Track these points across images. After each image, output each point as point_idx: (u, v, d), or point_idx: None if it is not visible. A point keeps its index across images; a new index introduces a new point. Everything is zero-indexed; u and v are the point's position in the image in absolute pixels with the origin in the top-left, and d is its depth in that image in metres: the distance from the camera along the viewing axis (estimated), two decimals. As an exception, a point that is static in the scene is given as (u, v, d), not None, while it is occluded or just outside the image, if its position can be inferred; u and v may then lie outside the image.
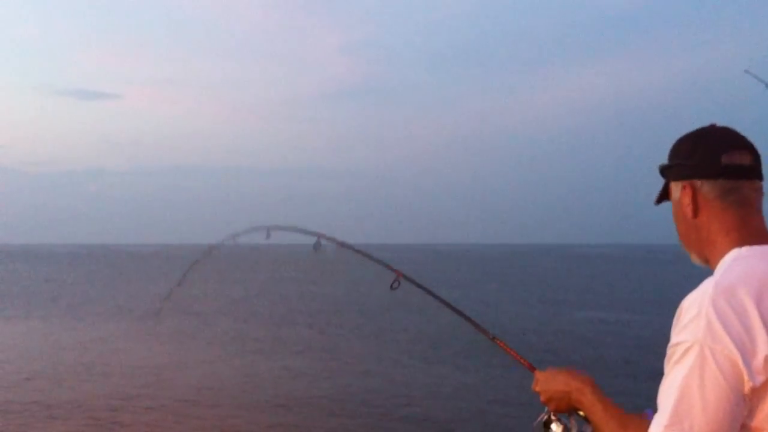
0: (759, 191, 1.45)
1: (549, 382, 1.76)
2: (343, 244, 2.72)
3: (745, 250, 1.36)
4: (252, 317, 22.31)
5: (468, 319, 2.17)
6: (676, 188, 1.50)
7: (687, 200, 1.46)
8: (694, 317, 1.24)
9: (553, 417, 1.80)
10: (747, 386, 1.19)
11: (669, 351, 1.26)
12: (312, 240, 2.67)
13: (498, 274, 48.76)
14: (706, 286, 1.28)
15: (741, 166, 1.43)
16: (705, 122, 1.52)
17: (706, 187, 1.44)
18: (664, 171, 1.55)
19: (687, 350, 1.22)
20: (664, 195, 1.56)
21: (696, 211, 1.45)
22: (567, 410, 1.75)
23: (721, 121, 1.51)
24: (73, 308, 25.14)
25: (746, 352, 1.19)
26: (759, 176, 1.46)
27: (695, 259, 1.51)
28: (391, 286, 2.24)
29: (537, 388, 1.79)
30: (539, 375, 1.81)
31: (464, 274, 48.66)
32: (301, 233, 2.75)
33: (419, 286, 2.25)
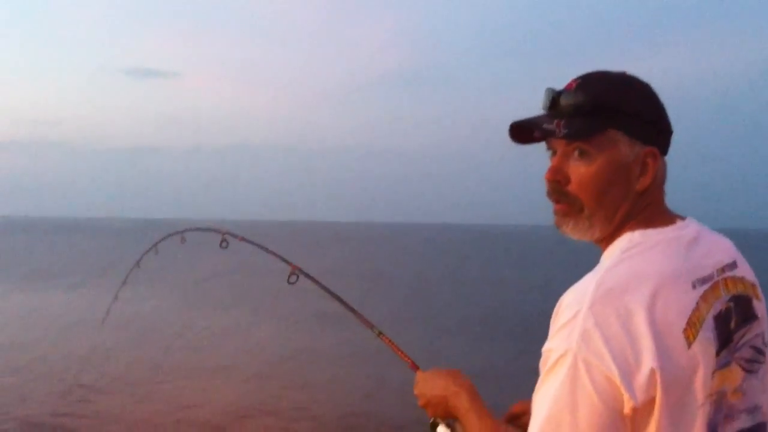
0: None
1: (427, 385, 1.53)
2: (243, 239, 2.87)
3: (638, 235, 1.14)
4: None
5: (354, 311, 2.05)
6: (630, 146, 1.15)
7: (650, 170, 1.16)
8: (570, 320, 1.05)
9: (439, 420, 1.56)
10: (627, 406, 1.00)
11: (543, 354, 1.08)
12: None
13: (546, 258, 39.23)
14: (587, 284, 1.08)
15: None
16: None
17: (661, 162, 1.19)
18: (604, 110, 1.14)
19: (559, 359, 1.04)
20: (583, 133, 1.15)
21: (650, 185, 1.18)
22: (444, 416, 1.52)
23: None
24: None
25: (628, 367, 1.00)
26: None
27: (583, 234, 1.20)
28: (288, 280, 2.22)
29: (416, 391, 1.56)
30: (420, 376, 1.57)
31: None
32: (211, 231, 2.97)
33: (315, 281, 2.19)
